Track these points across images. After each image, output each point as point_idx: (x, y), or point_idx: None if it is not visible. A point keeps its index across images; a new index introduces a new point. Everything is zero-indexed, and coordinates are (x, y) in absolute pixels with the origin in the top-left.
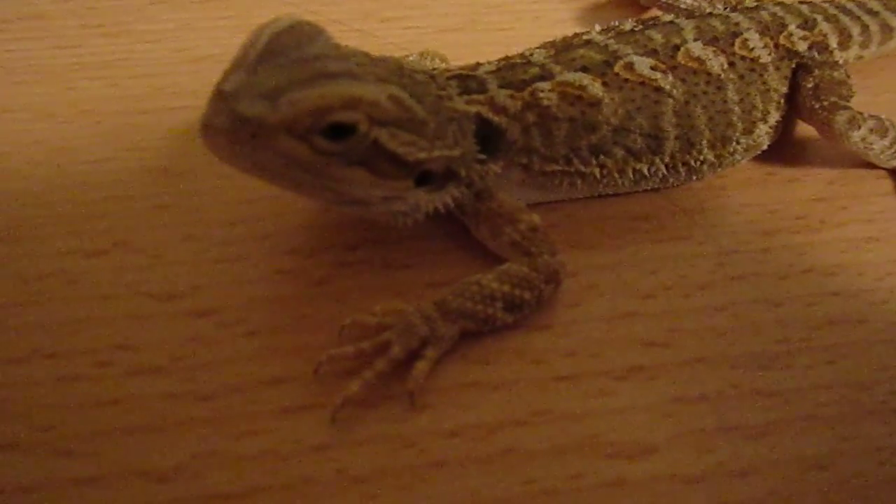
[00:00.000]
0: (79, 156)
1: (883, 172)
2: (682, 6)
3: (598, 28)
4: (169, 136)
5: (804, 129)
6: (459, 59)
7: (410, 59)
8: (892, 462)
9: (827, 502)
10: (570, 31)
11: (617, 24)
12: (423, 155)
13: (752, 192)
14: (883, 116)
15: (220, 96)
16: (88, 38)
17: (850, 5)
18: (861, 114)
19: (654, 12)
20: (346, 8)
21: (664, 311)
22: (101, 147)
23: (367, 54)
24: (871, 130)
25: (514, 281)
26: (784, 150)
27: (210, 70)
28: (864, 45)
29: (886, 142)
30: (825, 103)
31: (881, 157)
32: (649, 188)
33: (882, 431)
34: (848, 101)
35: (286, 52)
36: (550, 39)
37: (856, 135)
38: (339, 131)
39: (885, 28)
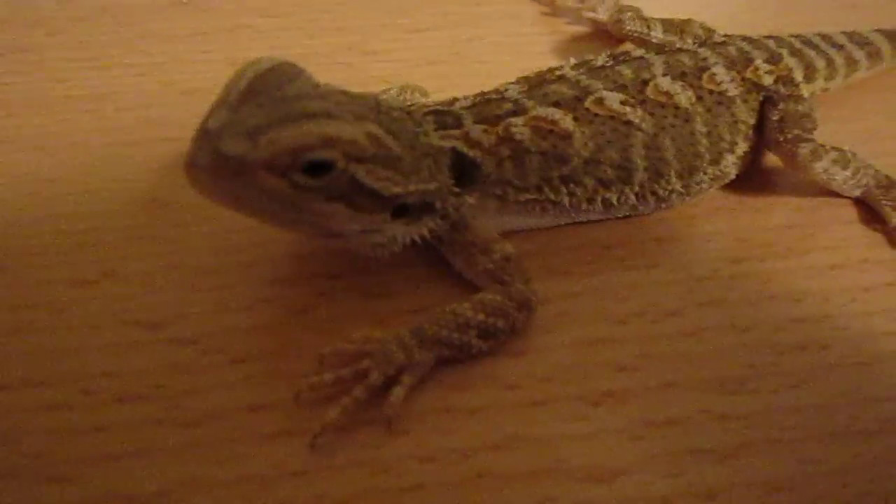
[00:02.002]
0: (68, 187)
1: (847, 201)
2: (654, 40)
3: (571, 62)
4: (156, 168)
5: (773, 159)
6: (440, 90)
7: (392, 92)
8: (854, 484)
9: None
10: (547, 63)
11: (590, 59)
12: (398, 189)
13: (722, 221)
14: (845, 148)
15: (204, 134)
16: (79, 71)
17: (815, 39)
18: (823, 146)
19: (629, 45)
20: (330, 41)
21: (635, 336)
22: (89, 178)
23: (345, 92)
24: (833, 162)
25: (489, 309)
26: (753, 180)
27: (197, 102)
28: (829, 78)
29: (848, 172)
30: (789, 136)
31: (844, 186)
32: (620, 216)
33: (844, 454)
34: (811, 133)
35: (267, 91)
36: (528, 71)
37: (818, 166)
38: (318, 168)
39: (850, 61)
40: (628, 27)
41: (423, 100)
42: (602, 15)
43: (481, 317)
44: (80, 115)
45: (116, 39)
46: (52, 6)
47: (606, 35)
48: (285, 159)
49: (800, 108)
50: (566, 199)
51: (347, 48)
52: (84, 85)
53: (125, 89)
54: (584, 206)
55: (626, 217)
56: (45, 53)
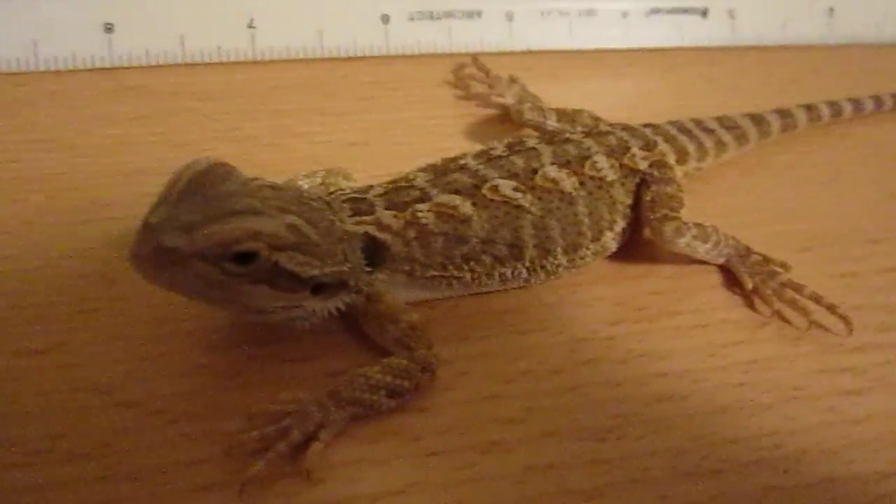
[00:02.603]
0: (20, 263)
1: (713, 267)
2: (549, 128)
3: (475, 150)
4: (103, 245)
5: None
6: (363, 170)
7: (319, 175)
8: None
9: None
10: (458, 144)
11: (490, 147)
12: (316, 272)
13: (603, 288)
14: (706, 224)
15: (147, 228)
16: (29, 152)
17: (689, 125)
18: (686, 223)
19: (528, 131)
20: (263, 124)
21: (522, 392)
22: (40, 255)
23: (272, 186)
24: (694, 237)
25: (396, 372)
26: (632, 251)
27: (142, 183)
28: (700, 159)
29: (709, 245)
30: (658, 215)
31: (707, 256)
32: (515, 287)
33: (693, 490)
34: (678, 211)
35: (203, 190)
36: (443, 151)
37: (681, 241)
38: (245, 257)
39: (720, 144)
40: (527, 116)
41: (346, 183)
42: (508, 100)
43: (389, 378)
44: (31, 195)
45: (65, 122)
46: (4, 90)
47: (508, 120)
48: (217, 250)
49: (668, 189)
50: (467, 275)
51: (281, 130)
52: (36, 166)
53: (74, 170)
54: (483, 280)
55: (519, 287)
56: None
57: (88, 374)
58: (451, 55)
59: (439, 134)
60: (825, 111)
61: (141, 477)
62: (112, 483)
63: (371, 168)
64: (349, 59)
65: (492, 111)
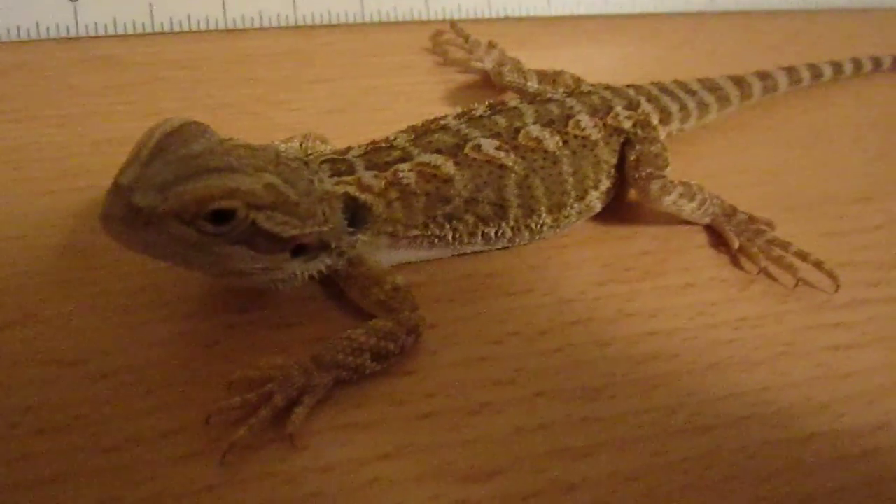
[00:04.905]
0: None
1: (699, 228)
2: (530, 90)
3: (456, 111)
4: (73, 215)
5: (636, 193)
6: (342, 137)
7: (295, 140)
8: (693, 471)
9: None
10: (438, 110)
11: (471, 108)
12: (295, 231)
13: (589, 249)
14: (692, 182)
15: (117, 189)
16: None
17: (672, 86)
18: (672, 181)
19: (509, 94)
20: (237, 93)
21: (511, 354)
22: (9, 226)
23: (248, 146)
24: (680, 195)
25: (380, 334)
26: (618, 212)
27: (112, 153)
28: (683, 120)
29: (695, 203)
30: (643, 173)
31: (693, 216)
32: (500, 247)
33: (685, 446)
34: (663, 170)
35: (175, 149)
36: (422, 118)
37: (667, 199)
38: (221, 216)
39: (702, 105)
40: (507, 78)
41: (323, 147)
42: (488, 65)
43: (373, 341)
44: (0, 166)
45: (34, 93)
46: None
47: (492, 83)
48: (192, 209)
49: (653, 148)
50: (450, 234)
51: (256, 99)
52: (3, 137)
53: (43, 141)
54: (466, 239)
55: (504, 248)
56: None
57: (60, 345)
58: (428, 22)
59: (418, 100)
60: (805, 74)
61: (117, 448)
62: (86, 455)
63: (350, 135)
64: (326, 26)
65: (471, 76)
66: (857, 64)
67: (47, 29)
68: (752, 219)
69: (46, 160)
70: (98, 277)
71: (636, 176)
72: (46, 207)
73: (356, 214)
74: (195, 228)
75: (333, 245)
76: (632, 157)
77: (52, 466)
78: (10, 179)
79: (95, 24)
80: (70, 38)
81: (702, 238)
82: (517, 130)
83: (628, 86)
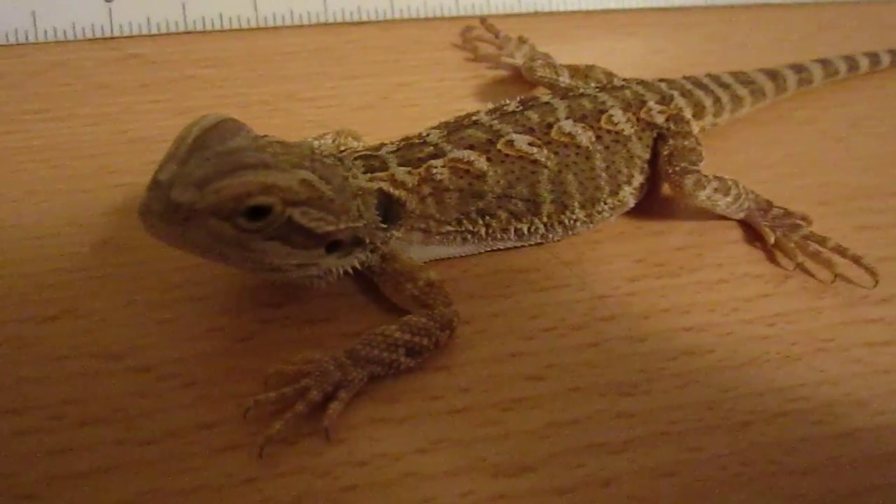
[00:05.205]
0: (27, 232)
1: (733, 223)
2: (562, 84)
3: (487, 107)
4: (110, 212)
5: (669, 188)
6: (372, 133)
7: (327, 137)
8: (730, 467)
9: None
10: (469, 106)
11: (503, 104)
12: (330, 227)
13: (623, 244)
14: (727, 177)
15: (156, 185)
16: (34, 122)
17: (705, 80)
18: (707, 176)
19: (541, 89)
20: (271, 90)
21: (544, 349)
22: (47, 224)
23: (282, 143)
24: (715, 190)
25: (414, 330)
26: (652, 207)
27: (148, 150)
28: (716, 114)
29: (730, 198)
30: (677, 168)
31: (727, 210)
32: (532, 243)
33: (722, 442)
34: (697, 165)
35: (212, 145)
36: (453, 114)
37: (702, 194)
38: (258, 212)
39: (735, 98)
40: (539, 73)
41: (356, 144)
42: (518, 60)
43: (408, 336)
44: (37, 164)
45: (69, 92)
46: (6, 62)
47: (523, 78)
48: (229, 205)
49: (687, 143)
50: (483, 230)
51: (287, 96)
52: (40, 135)
53: (79, 139)
54: (499, 235)
55: (537, 244)
56: (2, 107)
57: (99, 339)
58: (458, 18)
59: (448, 96)
60: (841, 66)
61: (156, 440)
62: (126, 447)
63: (380, 131)
64: (356, 23)
65: (502, 72)
66: (894, 55)
67: (83, 29)
68: (787, 213)
69: (82, 158)
70: (134, 273)
71: (670, 171)
72: (83, 204)
73: (389, 210)
74: (232, 224)
75: (367, 241)
76: (665, 152)
77: (94, 458)
78: (48, 177)
79: (130, 23)
80: (105, 38)
81: (736, 233)
82: (550, 126)
83: (660, 80)
